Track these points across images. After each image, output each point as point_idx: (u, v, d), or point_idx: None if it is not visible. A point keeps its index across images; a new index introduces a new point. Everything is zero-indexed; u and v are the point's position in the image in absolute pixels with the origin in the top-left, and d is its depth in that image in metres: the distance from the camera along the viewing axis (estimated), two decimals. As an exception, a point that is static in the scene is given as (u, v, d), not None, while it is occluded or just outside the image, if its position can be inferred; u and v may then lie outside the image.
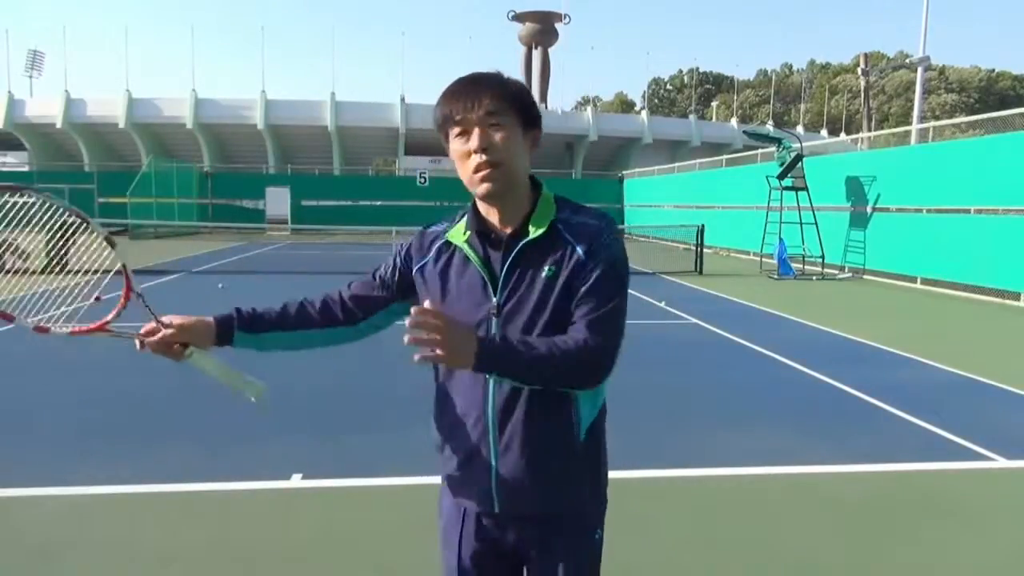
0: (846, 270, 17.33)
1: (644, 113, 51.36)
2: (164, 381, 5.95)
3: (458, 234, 1.63)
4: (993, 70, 77.98)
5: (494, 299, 1.55)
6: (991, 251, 12.94)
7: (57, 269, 2.33)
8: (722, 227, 23.24)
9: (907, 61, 41.42)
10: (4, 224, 2.06)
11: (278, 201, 33.49)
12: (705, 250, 18.16)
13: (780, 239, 16.99)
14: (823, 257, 16.93)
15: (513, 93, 1.55)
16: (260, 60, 72.40)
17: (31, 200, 1.81)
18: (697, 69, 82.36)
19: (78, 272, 2.16)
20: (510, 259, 1.55)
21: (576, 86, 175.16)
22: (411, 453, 4.54)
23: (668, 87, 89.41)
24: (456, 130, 1.54)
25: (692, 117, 54.63)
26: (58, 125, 41.68)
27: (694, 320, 10.09)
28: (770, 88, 74.65)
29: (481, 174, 1.53)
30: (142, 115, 41.93)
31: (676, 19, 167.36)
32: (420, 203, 33.37)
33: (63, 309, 1.96)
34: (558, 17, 38.33)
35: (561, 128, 44.17)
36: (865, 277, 16.49)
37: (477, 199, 1.61)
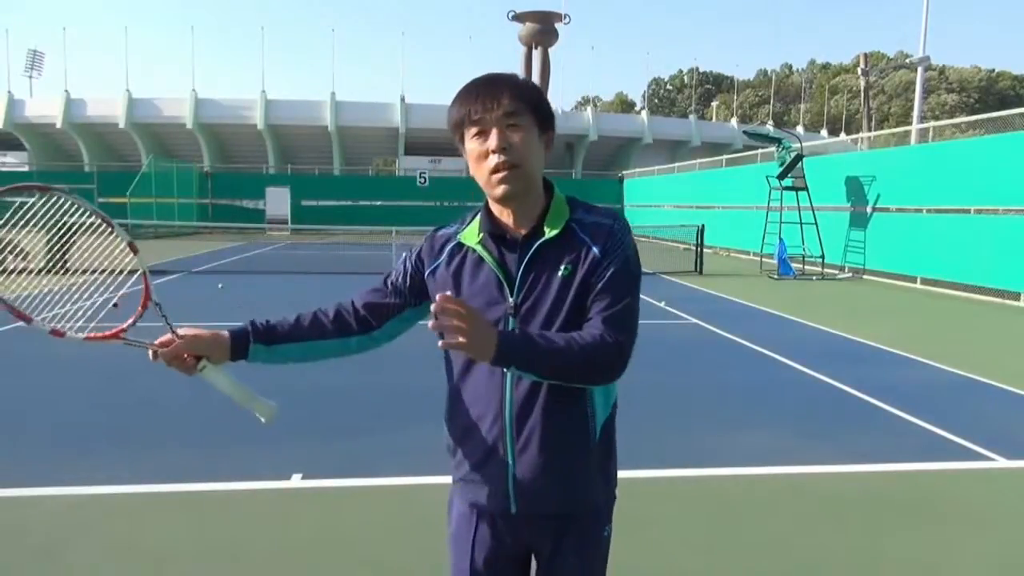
0: (846, 270, 17.33)
1: (644, 113, 51.40)
2: (164, 381, 5.92)
3: (471, 235, 1.62)
4: (993, 70, 77.97)
5: (511, 299, 1.56)
6: (991, 251, 12.94)
7: (75, 270, 2.31)
8: (722, 227, 23.25)
9: (907, 61, 41.41)
10: (36, 225, 2.03)
11: (278, 201, 33.50)
12: (705, 250, 18.16)
13: (780, 239, 16.99)
14: (823, 257, 16.93)
15: (530, 94, 1.56)
16: (260, 60, 72.55)
17: (60, 200, 1.80)
18: (697, 69, 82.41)
19: (94, 272, 2.16)
20: (527, 259, 1.56)
21: (576, 86, 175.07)
22: (411, 453, 4.54)
23: (668, 87, 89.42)
24: (473, 130, 1.54)
25: (692, 117, 54.65)
26: (58, 125, 41.70)
27: (694, 320, 10.10)
28: (770, 88, 74.68)
29: (499, 175, 1.53)
30: (142, 115, 41.94)
31: (676, 19, 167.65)
32: (420, 203, 33.43)
33: (78, 312, 1.95)
34: (558, 17, 38.25)
35: (561, 128, 43.53)
36: (865, 277, 16.49)
37: (491, 200, 1.60)
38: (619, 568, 2.00)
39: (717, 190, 25.34)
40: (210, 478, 4.15)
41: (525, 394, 1.56)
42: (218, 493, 3.99)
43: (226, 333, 1.67)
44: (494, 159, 1.52)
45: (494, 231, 1.60)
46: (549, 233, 1.56)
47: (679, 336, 9.03)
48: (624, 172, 38.81)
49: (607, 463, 1.67)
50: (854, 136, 26.39)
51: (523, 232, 1.58)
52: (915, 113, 25.57)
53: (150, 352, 1.66)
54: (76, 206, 1.80)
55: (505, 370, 1.53)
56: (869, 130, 30.78)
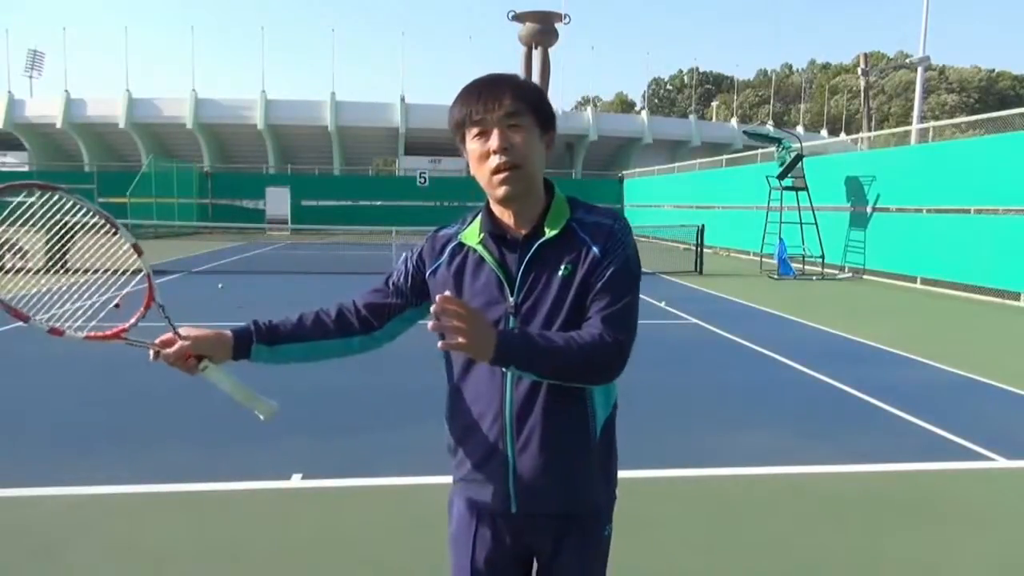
0: (846, 270, 17.34)
1: (644, 113, 51.39)
2: (164, 381, 5.93)
3: (472, 236, 1.63)
4: (993, 70, 77.98)
5: (511, 299, 1.56)
6: (991, 251, 12.94)
7: (76, 269, 2.30)
8: (722, 227, 23.25)
9: (907, 61, 41.42)
10: (38, 223, 2.03)
11: (278, 201, 33.50)
12: (705, 250, 18.18)
13: (780, 239, 17.00)
14: (823, 257, 16.93)
15: (531, 94, 1.56)
16: (260, 60, 72.57)
17: (62, 200, 1.79)
18: (697, 69, 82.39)
19: (96, 272, 2.16)
20: (527, 259, 1.56)
21: (576, 86, 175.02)
22: (411, 453, 4.54)
23: (668, 87, 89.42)
24: (475, 131, 1.54)
25: (692, 117, 54.65)
26: (58, 125, 41.69)
27: (694, 320, 10.10)
28: (770, 88, 74.66)
29: (500, 176, 1.53)
30: (142, 115, 41.94)
31: (676, 19, 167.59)
32: (420, 203, 33.43)
33: (78, 312, 1.95)
34: (558, 17, 38.26)
35: (561, 128, 43.31)
36: (865, 277, 16.49)
37: (492, 200, 1.61)
38: (619, 568, 2.00)
39: (717, 190, 25.34)
40: (210, 478, 4.15)
41: (525, 394, 1.56)
42: (218, 493, 3.99)
43: (228, 333, 1.67)
44: (495, 159, 1.52)
45: (495, 231, 1.60)
46: (549, 233, 1.57)
47: (679, 336, 9.03)
48: (624, 172, 38.80)
49: (608, 463, 1.67)
50: (854, 136, 26.39)
51: (524, 232, 1.59)
52: (915, 113, 25.58)
53: (151, 352, 1.66)
54: (78, 206, 1.80)
55: (505, 370, 1.53)
56: (869, 130, 30.78)
